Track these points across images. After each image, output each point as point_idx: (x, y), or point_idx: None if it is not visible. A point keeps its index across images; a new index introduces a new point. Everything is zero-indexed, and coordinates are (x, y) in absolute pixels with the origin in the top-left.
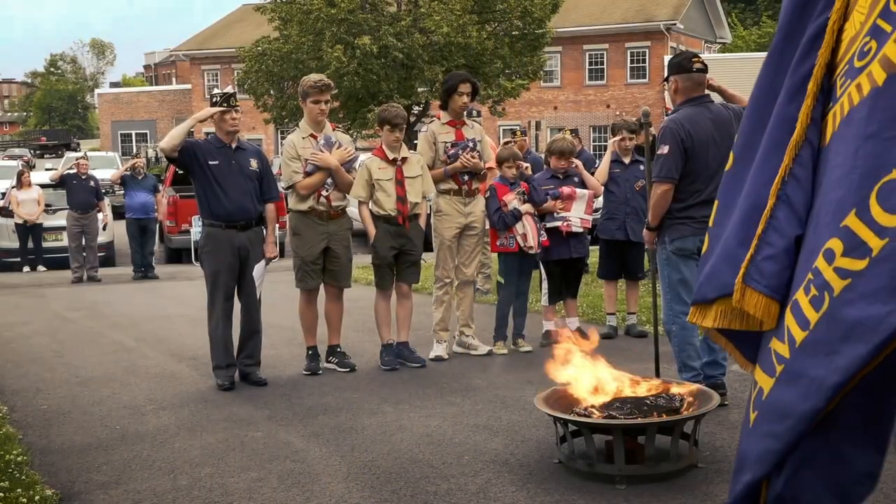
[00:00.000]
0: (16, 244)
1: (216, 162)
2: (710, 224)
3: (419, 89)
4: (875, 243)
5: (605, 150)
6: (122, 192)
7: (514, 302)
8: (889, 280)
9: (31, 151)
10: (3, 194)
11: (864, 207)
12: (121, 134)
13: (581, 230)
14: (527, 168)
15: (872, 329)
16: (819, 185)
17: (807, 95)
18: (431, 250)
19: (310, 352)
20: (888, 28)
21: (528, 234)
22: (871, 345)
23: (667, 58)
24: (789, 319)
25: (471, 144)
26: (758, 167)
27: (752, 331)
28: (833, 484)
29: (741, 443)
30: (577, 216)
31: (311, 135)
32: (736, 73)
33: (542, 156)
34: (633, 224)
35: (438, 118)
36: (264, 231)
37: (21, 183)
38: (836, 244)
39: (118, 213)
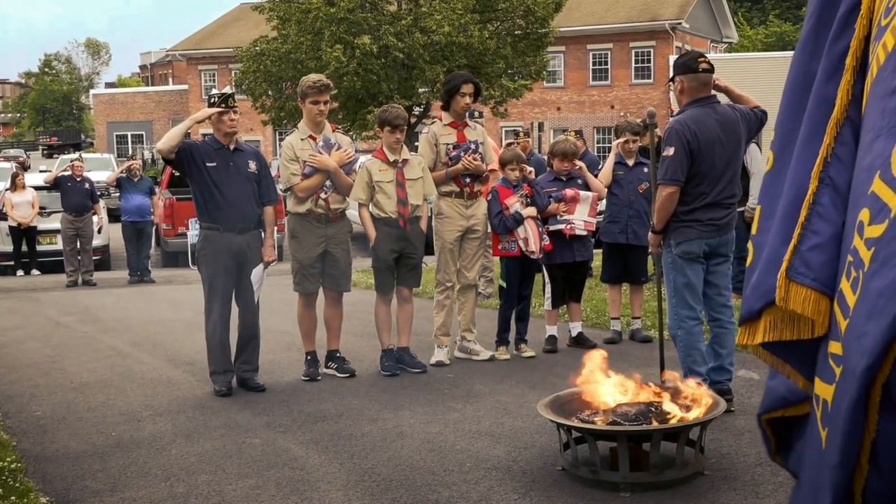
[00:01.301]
0: (9, 247)
1: (214, 164)
2: (753, 232)
3: (420, 90)
4: (895, 202)
5: (609, 151)
6: (118, 194)
7: (517, 306)
8: None
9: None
10: None
11: (886, 167)
12: (116, 135)
13: (585, 233)
14: (530, 172)
15: (892, 297)
16: (855, 160)
17: (845, 70)
18: (432, 254)
19: (308, 357)
20: None
21: (530, 238)
22: (890, 316)
23: (672, 58)
24: (837, 313)
25: (473, 146)
26: (798, 156)
27: (806, 340)
28: None
29: (811, 467)
30: (580, 219)
31: (310, 136)
32: (742, 73)
33: (545, 157)
34: (635, 227)
35: (440, 119)
36: (263, 234)
37: (15, 185)
38: (864, 214)
39: (113, 216)
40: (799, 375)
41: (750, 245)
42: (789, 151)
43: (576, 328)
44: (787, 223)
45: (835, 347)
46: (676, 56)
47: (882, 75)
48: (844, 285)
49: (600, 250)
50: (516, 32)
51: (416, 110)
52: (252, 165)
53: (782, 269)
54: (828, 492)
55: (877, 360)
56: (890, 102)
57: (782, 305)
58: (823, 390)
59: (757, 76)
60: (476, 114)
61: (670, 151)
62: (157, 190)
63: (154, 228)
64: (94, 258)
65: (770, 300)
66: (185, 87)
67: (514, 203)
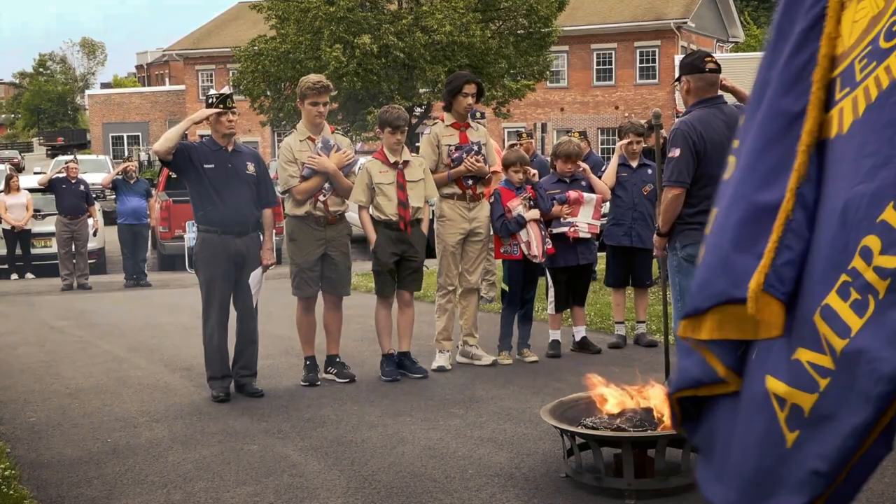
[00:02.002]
0: (3, 251)
1: (212, 165)
2: (707, 232)
3: (421, 90)
4: None
5: (614, 153)
6: (114, 196)
7: (520, 310)
8: None
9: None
10: None
11: None
12: (112, 136)
13: (589, 236)
14: (534, 175)
15: None
16: (834, 176)
17: (814, 87)
18: (434, 257)
19: (308, 362)
20: None
21: (532, 242)
22: None
23: (678, 57)
24: (823, 328)
25: (475, 148)
26: (750, 165)
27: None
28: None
29: (755, 458)
30: (584, 221)
31: (309, 137)
32: (749, 73)
33: (548, 159)
34: (640, 230)
35: (442, 120)
36: (261, 237)
37: (9, 187)
38: (873, 242)
39: (109, 219)
40: (720, 363)
41: (703, 244)
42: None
43: (579, 332)
44: (738, 230)
45: (820, 359)
46: (682, 56)
47: (886, 101)
48: (838, 304)
49: (604, 253)
50: (519, 32)
51: (417, 111)
52: (250, 167)
53: (757, 283)
54: (801, 493)
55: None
56: None
57: (753, 315)
58: (797, 396)
59: None
60: (478, 114)
61: (676, 153)
62: (153, 192)
63: (150, 231)
64: (90, 261)
65: (718, 302)
66: (181, 87)
67: (516, 206)
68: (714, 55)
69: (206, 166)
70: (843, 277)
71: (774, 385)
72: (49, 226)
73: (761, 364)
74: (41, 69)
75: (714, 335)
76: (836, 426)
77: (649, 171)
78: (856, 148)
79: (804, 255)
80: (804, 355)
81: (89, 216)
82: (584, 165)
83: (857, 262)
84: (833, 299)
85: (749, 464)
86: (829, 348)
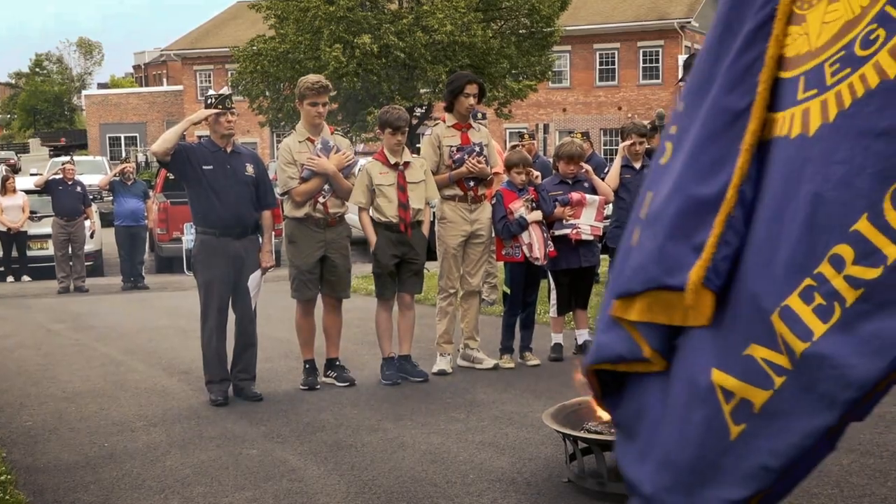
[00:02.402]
0: None
1: (210, 167)
2: (642, 215)
3: (421, 90)
4: (891, 251)
5: (617, 154)
6: (111, 198)
7: (521, 313)
8: None
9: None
10: None
11: (877, 212)
12: (109, 137)
13: (591, 238)
14: (536, 177)
15: (891, 343)
16: (792, 177)
17: (760, 88)
18: (435, 259)
19: (307, 365)
20: None
21: (534, 244)
22: (887, 359)
23: (681, 57)
24: (781, 327)
25: (477, 149)
26: (691, 159)
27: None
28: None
29: (711, 454)
30: (587, 223)
31: (308, 138)
32: None
33: (551, 160)
34: None
35: (443, 121)
36: (260, 239)
37: (5, 189)
38: (845, 250)
39: (106, 221)
40: (646, 343)
41: (636, 225)
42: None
43: (582, 336)
44: (674, 222)
45: (774, 357)
46: (686, 56)
47: (861, 110)
48: (800, 306)
49: (606, 256)
50: (521, 31)
51: (418, 112)
52: (249, 168)
53: (698, 277)
54: (746, 485)
55: (864, 394)
56: (877, 144)
57: (689, 305)
58: (748, 391)
59: None
60: (479, 115)
61: None
62: (151, 193)
63: (148, 233)
64: (87, 264)
65: (650, 287)
66: (180, 87)
67: (518, 207)
68: None
69: (204, 167)
70: (808, 281)
71: (722, 378)
72: (45, 228)
73: (705, 356)
74: (37, 69)
75: (643, 317)
76: (791, 425)
77: None
78: (824, 152)
79: (740, 250)
80: (759, 352)
81: (86, 218)
82: (587, 167)
83: (825, 269)
84: (794, 301)
85: (687, 452)
86: (786, 348)
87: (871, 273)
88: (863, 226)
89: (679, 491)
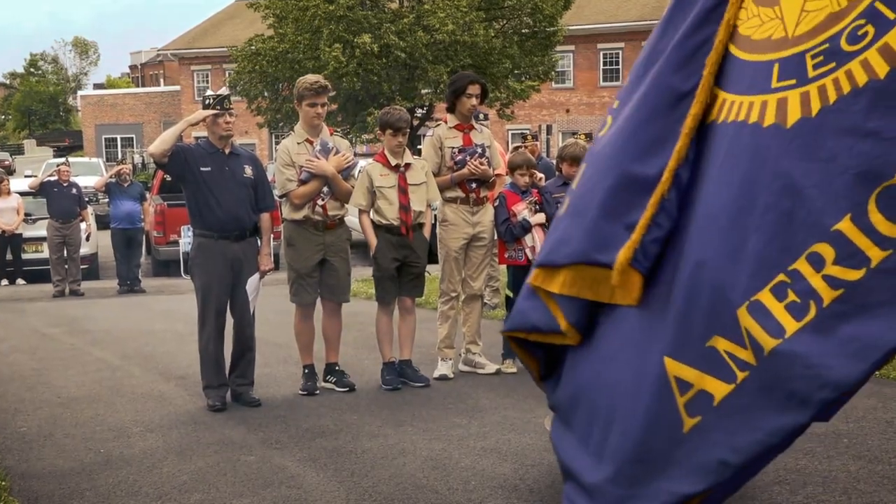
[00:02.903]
0: None
1: (208, 168)
2: (574, 186)
3: (422, 91)
4: (875, 253)
5: None
6: (107, 200)
7: None
8: (891, 295)
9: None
10: None
11: (861, 213)
12: (105, 138)
13: None
14: (540, 179)
15: (871, 346)
16: (764, 166)
17: (705, 71)
18: (436, 262)
19: (306, 370)
20: (891, 15)
21: (538, 247)
22: (868, 362)
23: None
24: (748, 322)
25: (479, 150)
26: (630, 135)
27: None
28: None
29: (660, 445)
30: None
31: (307, 140)
32: None
33: (554, 162)
34: None
35: (445, 122)
36: (259, 242)
37: None
38: (825, 249)
39: (102, 223)
40: (563, 317)
41: (566, 196)
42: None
43: None
44: (608, 199)
45: (738, 352)
46: None
47: (846, 107)
48: (771, 302)
49: None
50: (523, 31)
51: (419, 112)
52: (248, 170)
53: (625, 257)
54: (701, 479)
55: (841, 395)
56: (863, 144)
57: (616, 285)
58: (708, 383)
59: None
60: (481, 116)
61: None
62: (147, 196)
63: (145, 236)
64: (82, 267)
65: (577, 261)
66: (177, 88)
67: (522, 210)
68: None
69: (202, 169)
70: (781, 277)
71: (677, 368)
72: (40, 230)
73: (653, 343)
74: (32, 69)
75: (565, 290)
76: (755, 421)
77: None
78: (804, 147)
79: (670, 233)
80: (722, 344)
81: (82, 220)
82: None
83: (802, 266)
84: (765, 297)
85: (632, 443)
86: (751, 344)
87: (853, 274)
88: (845, 226)
89: (622, 483)
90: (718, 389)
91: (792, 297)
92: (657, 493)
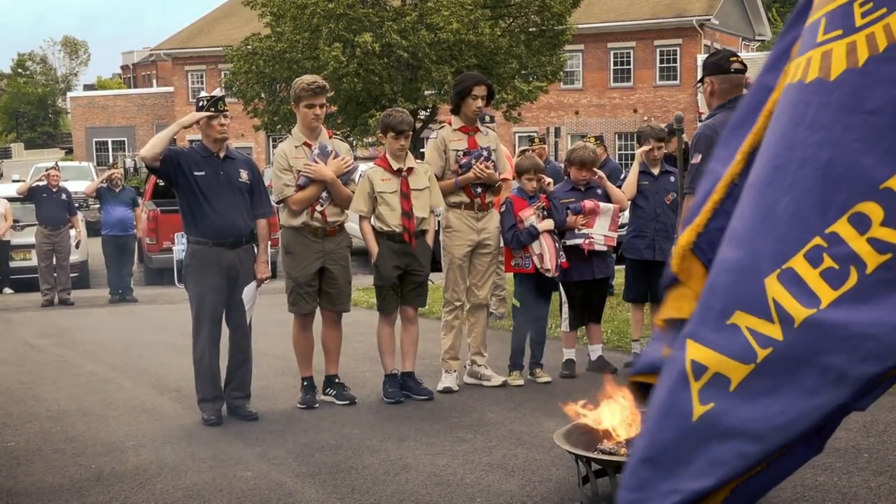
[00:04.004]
0: None
1: (202, 173)
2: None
3: (426, 92)
4: None
5: (632, 159)
6: (98, 206)
7: (531, 328)
8: None
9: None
10: None
11: None
12: (96, 142)
13: (605, 248)
14: (548, 183)
15: None
16: (803, 123)
17: (789, 62)
18: (440, 270)
19: (305, 383)
20: None
21: (546, 254)
22: None
23: (700, 57)
24: (777, 291)
25: (485, 153)
26: (727, 137)
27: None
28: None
29: (670, 437)
30: (600, 233)
31: (305, 143)
32: None
33: (562, 166)
34: (662, 242)
35: (449, 124)
36: (255, 249)
37: None
38: (871, 209)
39: (93, 230)
40: (666, 345)
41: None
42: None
43: (595, 351)
44: (695, 206)
45: (761, 326)
46: (705, 55)
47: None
48: (805, 269)
49: (621, 267)
50: (531, 30)
51: (422, 114)
52: (244, 175)
53: (687, 241)
54: (710, 474)
55: (886, 371)
56: None
57: (678, 275)
58: (725, 366)
59: None
60: (487, 118)
61: (698, 159)
62: (140, 201)
63: (137, 243)
64: (72, 275)
65: (670, 282)
66: (170, 89)
67: (529, 216)
68: (739, 54)
69: (196, 173)
70: (816, 241)
71: (695, 350)
72: (29, 237)
73: (684, 328)
74: (20, 70)
75: (667, 314)
76: (778, 405)
77: (672, 179)
78: (847, 99)
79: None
80: (744, 320)
81: (71, 227)
82: (601, 173)
83: (842, 228)
84: (798, 263)
85: (645, 439)
86: (780, 316)
87: None
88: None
89: (633, 486)
90: (736, 372)
91: (828, 262)
92: (667, 493)
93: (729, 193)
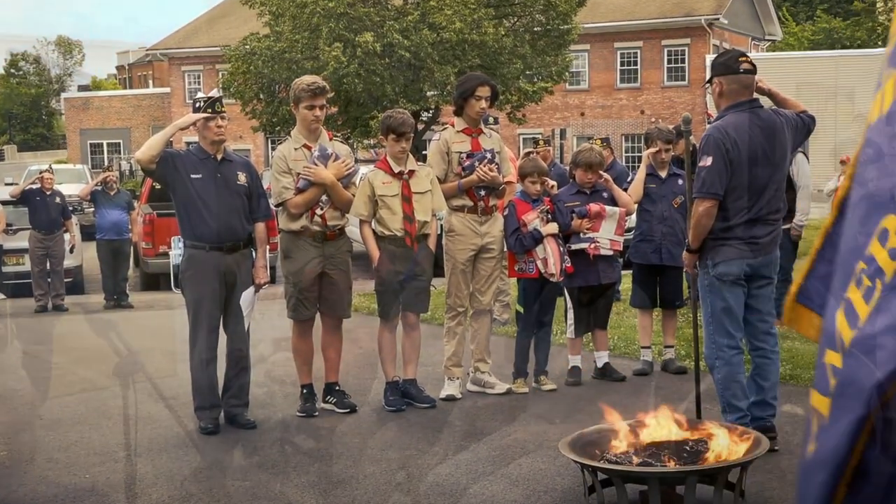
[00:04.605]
0: None
1: (199, 175)
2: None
3: (428, 93)
4: None
5: (639, 161)
6: (92, 209)
7: (536, 334)
8: None
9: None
10: None
11: None
12: (90, 144)
13: (611, 252)
14: (552, 186)
15: None
16: (868, 159)
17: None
18: (442, 275)
19: (304, 391)
20: None
21: (550, 259)
22: None
23: (709, 57)
24: (841, 322)
25: (488, 156)
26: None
27: None
28: None
29: (800, 485)
30: (606, 237)
31: (305, 145)
32: (788, 74)
33: (568, 168)
34: (670, 246)
35: (452, 125)
36: (253, 254)
37: None
38: (891, 222)
39: (87, 234)
40: None
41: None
42: None
43: (602, 358)
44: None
45: (833, 358)
46: (714, 55)
47: None
48: (854, 295)
49: (628, 272)
50: (535, 29)
51: (424, 116)
52: (242, 177)
53: (793, 291)
54: None
55: (892, 377)
56: None
57: (789, 325)
58: (819, 402)
59: (804, 77)
60: (491, 120)
61: (707, 161)
62: (135, 205)
63: (132, 247)
64: (66, 280)
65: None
66: (166, 90)
67: (533, 219)
68: (749, 55)
69: (193, 176)
70: (860, 265)
71: (813, 397)
72: (22, 241)
73: (815, 379)
74: (13, 70)
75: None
76: (835, 427)
77: (680, 182)
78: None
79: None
80: (828, 357)
81: (66, 231)
82: (607, 176)
83: (874, 247)
84: (852, 291)
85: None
86: (840, 344)
87: None
88: None
89: None
90: (823, 405)
91: (866, 282)
92: None
93: (828, 241)
